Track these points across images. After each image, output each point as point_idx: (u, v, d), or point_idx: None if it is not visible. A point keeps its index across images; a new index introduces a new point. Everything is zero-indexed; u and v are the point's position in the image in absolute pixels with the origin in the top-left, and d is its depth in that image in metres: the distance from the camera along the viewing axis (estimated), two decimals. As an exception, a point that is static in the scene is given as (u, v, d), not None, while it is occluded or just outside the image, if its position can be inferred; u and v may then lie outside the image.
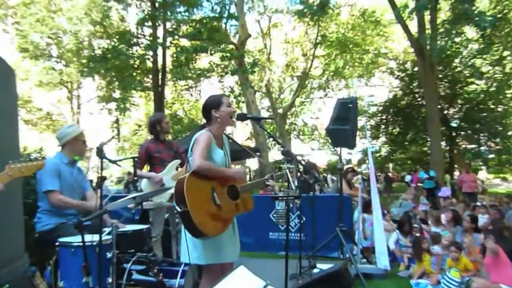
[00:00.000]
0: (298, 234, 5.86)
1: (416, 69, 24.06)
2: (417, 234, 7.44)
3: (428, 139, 21.48)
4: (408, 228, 7.51)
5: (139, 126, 27.37)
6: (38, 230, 4.49)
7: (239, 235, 3.80)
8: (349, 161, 37.20)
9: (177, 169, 5.82)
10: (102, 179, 3.62)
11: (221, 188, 3.51)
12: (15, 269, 4.32)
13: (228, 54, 19.89)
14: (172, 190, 5.04)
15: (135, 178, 5.62)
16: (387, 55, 30.27)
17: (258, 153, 18.77)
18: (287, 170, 4.20)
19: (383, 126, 29.19)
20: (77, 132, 4.77)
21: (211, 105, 3.69)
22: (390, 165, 33.73)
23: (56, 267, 3.81)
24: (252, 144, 27.94)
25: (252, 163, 28.89)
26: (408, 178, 25.25)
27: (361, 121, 29.95)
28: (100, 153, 3.72)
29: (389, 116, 28.67)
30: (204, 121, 3.82)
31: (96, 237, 3.58)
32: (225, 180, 3.56)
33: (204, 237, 3.34)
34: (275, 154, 39.85)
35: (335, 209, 6.90)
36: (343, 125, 6.53)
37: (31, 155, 7.73)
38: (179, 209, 3.21)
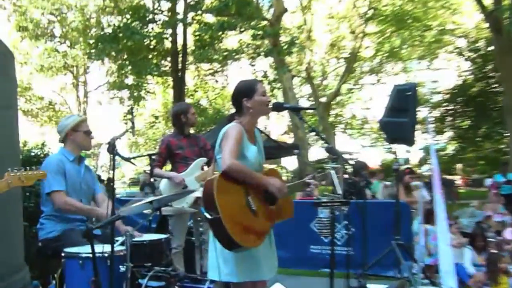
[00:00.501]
0: (345, 248, 5.84)
1: (490, 48, 23.57)
2: (493, 250, 7.28)
3: (506, 134, 21.01)
4: (482, 242, 7.36)
5: (156, 118, 27.70)
6: (41, 238, 4.60)
7: (276, 247, 3.82)
8: (407, 161, 36.67)
9: (202, 168, 5.88)
10: (112, 180, 3.67)
11: (257, 191, 3.51)
12: (14, 284, 4.46)
13: (260, 32, 19.86)
14: (196, 194, 5.14)
15: (153, 178, 5.71)
16: (454, 32, 29.69)
17: (296, 150, 18.77)
18: (332, 171, 4.18)
19: (449, 119, 28.74)
20: (76, 121, 4.84)
21: (242, 93, 3.70)
22: (458, 166, 33.18)
23: (61, 282, 3.91)
24: (289, 139, 27.95)
25: (290, 162, 28.90)
26: (488, 182, 24.71)
27: (422, 112, 29.70)
28: (111, 149, 3.76)
29: (457, 106, 28.21)
30: (232, 110, 3.85)
31: (107, 248, 3.66)
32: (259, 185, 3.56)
33: (238, 250, 3.33)
34: (317, 152, 39.83)
35: (390, 219, 6.84)
36: (400, 117, 6.47)
37: (32, 151, 7.95)
38: (208, 216, 3.21)
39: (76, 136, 4.80)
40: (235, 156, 3.42)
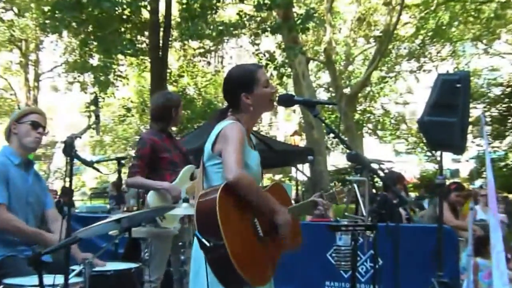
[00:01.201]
0: (371, 286, 5.84)
1: None
2: None
3: None
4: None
5: (128, 110, 27.76)
6: (-27, 265, 4.60)
7: (277, 284, 3.82)
8: (455, 173, 36.73)
9: (191, 179, 5.87)
10: (68, 191, 3.69)
11: (262, 212, 3.48)
12: None
13: (267, 1, 19.91)
14: (178, 211, 5.14)
15: (123, 188, 5.71)
16: (520, 6, 29.76)
17: (310, 157, 18.75)
18: (355, 185, 4.17)
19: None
20: (25, 108, 4.85)
21: (240, 86, 3.68)
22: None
23: (-2, 323, 3.92)
24: (301, 142, 27.94)
25: (301, 172, 28.86)
26: None
27: (476, 110, 29.70)
28: (69, 150, 3.77)
29: (522, 103, 28.25)
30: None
31: (60, 279, 3.64)
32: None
33: (238, 286, 3.31)
34: (337, 159, 39.85)
35: (430, 249, 6.85)
36: (446, 116, 6.47)
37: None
38: (207, 243, 3.13)
39: (20, 129, 4.77)
40: (242, 163, 3.39)
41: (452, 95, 6.53)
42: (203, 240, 3.15)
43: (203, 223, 3.24)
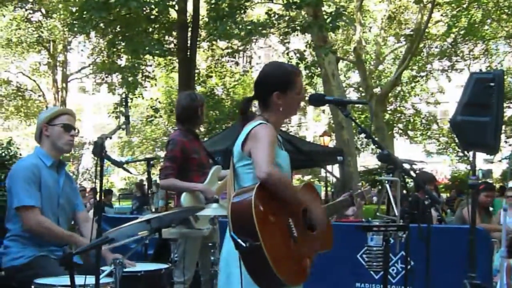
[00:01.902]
0: (403, 287, 5.82)
1: None
2: None
3: None
4: None
5: (156, 110, 27.88)
6: (4, 265, 4.67)
7: (306, 285, 3.82)
8: (487, 174, 36.39)
9: (219, 180, 5.89)
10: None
11: (295, 212, 3.50)
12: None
13: (296, 0, 19.88)
14: (207, 211, 5.17)
15: (151, 191, 5.75)
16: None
17: (340, 157, 18.70)
18: (388, 185, 4.17)
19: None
20: (52, 112, 4.87)
21: (276, 84, 3.68)
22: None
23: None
24: (331, 143, 27.89)
25: (330, 173, 28.81)
26: None
27: (510, 110, 29.42)
28: (99, 151, 3.79)
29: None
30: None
31: (91, 280, 3.68)
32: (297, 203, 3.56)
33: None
34: (368, 160, 39.68)
35: (462, 250, 6.81)
36: (479, 116, 6.43)
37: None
38: (243, 244, 3.13)
39: (53, 131, 4.80)
40: (272, 162, 3.40)
41: (485, 94, 6.48)
42: (239, 240, 3.14)
43: (238, 224, 3.25)
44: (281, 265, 3.18)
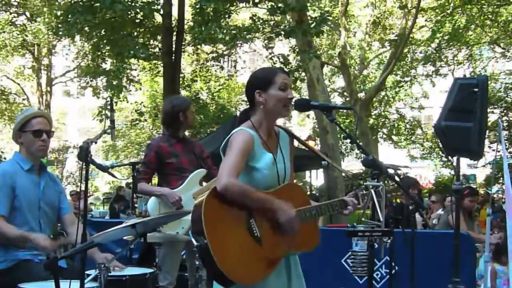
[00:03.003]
0: (387, 292, 5.84)
1: None
2: None
3: None
4: None
5: (141, 114, 27.80)
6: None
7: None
8: (470, 179, 36.56)
9: (201, 183, 5.92)
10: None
11: (263, 212, 3.58)
12: None
13: (280, 5, 19.91)
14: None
15: (136, 195, 5.76)
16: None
17: (325, 162, 18.75)
18: (372, 191, 4.18)
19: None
20: (22, 117, 4.83)
21: (256, 84, 3.79)
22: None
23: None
24: (315, 147, 27.93)
25: (316, 178, 28.88)
26: None
27: (494, 115, 29.53)
28: (85, 155, 3.80)
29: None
30: (242, 107, 3.90)
31: (76, 285, 3.68)
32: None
33: (235, 285, 3.43)
34: (352, 165, 39.72)
35: (447, 255, 6.83)
36: (463, 121, 6.46)
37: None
38: (195, 242, 3.35)
39: (25, 138, 4.80)
40: (236, 172, 3.50)
41: (469, 99, 6.52)
42: (193, 239, 3.38)
43: (194, 224, 3.44)
44: (228, 264, 3.31)
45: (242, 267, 3.40)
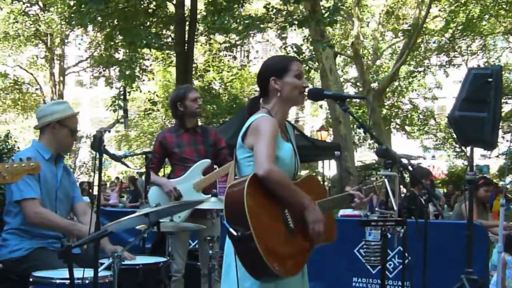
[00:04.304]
0: (399, 282, 5.83)
1: None
2: None
3: None
4: None
5: (154, 104, 27.83)
6: (3, 258, 4.68)
7: (308, 277, 3.84)
8: (484, 169, 36.38)
9: (204, 173, 5.92)
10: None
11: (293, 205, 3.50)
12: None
13: (294, -6, 19.86)
14: (205, 205, 5.18)
15: (147, 185, 5.79)
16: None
17: (337, 152, 18.74)
18: (386, 180, 4.17)
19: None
20: (67, 113, 4.88)
21: (271, 71, 3.72)
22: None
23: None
24: (328, 138, 27.90)
25: (329, 168, 28.85)
26: None
27: (508, 105, 29.40)
28: (98, 145, 3.80)
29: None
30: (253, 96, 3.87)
31: (89, 273, 3.70)
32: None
33: (268, 279, 3.35)
34: (365, 155, 39.66)
35: (460, 245, 6.81)
36: (477, 111, 6.43)
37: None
38: (234, 233, 3.16)
39: (60, 132, 4.86)
40: (274, 159, 3.41)
41: (483, 90, 6.49)
42: (231, 229, 3.17)
43: (231, 213, 3.28)
44: (272, 255, 3.20)
45: (283, 259, 3.31)
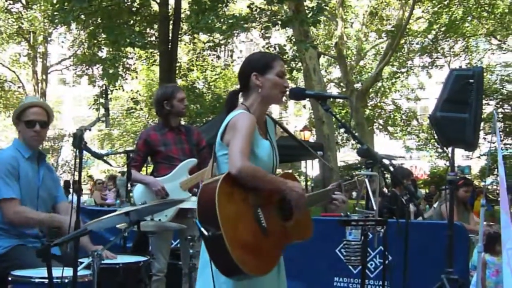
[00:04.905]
0: (380, 282, 5.84)
1: None
2: None
3: None
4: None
5: (136, 103, 27.73)
6: (-18, 256, 4.63)
7: (287, 278, 3.83)
8: (466, 170, 36.60)
9: (190, 173, 5.92)
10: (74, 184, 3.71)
11: (269, 201, 3.51)
12: None
13: (278, -6, 19.87)
14: (186, 204, 5.17)
15: (130, 183, 5.76)
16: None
17: (320, 152, 18.77)
18: (366, 180, 4.17)
19: (525, 116, 28.68)
20: (23, 103, 4.85)
21: (254, 66, 3.71)
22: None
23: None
24: (311, 138, 27.93)
25: (312, 168, 28.91)
26: None
27: (489, 107, 29.55)
28: (79, 142, 3.77)
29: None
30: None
31: (69, 272, 3.68)
32: (274, 193, 3.54)
33: (239, 277, 3.35)
34: (347, 155, 39.77)
35: (440, 245, 6.84)
36: (458, 112, 6.46)
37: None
38: (205, 233, 3.18)
39: (20, 128, 4.82)
40: (247, 155, 3.40)
41: (465, 91, 6.51)
42: (202, 229, 3.19)
43: (203, 212, 3.29)
44: (243, 255, 3.21)
45: (255, 258, 3.32)
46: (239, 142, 3.40)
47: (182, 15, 21.66)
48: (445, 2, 29.39)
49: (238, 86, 3.81)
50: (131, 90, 27.14)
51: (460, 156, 30.52)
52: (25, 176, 4.70)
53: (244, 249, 3.26)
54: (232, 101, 3.77)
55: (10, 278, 3.91)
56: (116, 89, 22.37)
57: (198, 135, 6.34)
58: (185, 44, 28.17)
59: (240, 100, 3.78)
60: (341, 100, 34.00)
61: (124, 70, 22.84)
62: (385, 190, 8.71)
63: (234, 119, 3.55)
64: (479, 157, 31.74)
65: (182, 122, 6.52)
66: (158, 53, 22.44)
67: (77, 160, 3.80)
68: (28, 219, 4.62)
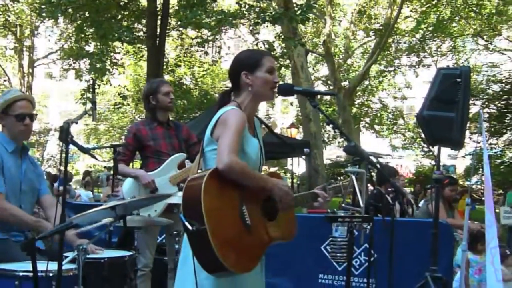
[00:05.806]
0: (365, 280, 5.85)
1: None
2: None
3: None
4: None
5: (124, 98, 27.62)
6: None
7: (270, 276, 3.82)
8: (451, 169, 36.74)
9: (180, 167, 5.91)
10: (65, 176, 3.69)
11: (254, 200, 3.51)
12: None
13: (267, -10, 19.87)
14: (173, 199, 5.16)
15: (117, 176, 5.73)
16: (522, 2, 29.75)
17: (307, 149, 18.75)
18: (353, 177, 4.18)
19: (510, 116, 28.73)
20: (7, 99, 4.77)
21: (243, 65, 3.71)
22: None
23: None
24: (298, 135, 27.95)
25: (298, 166, 28.91)
26: None
27: (475, 107, 29.67)
28: (65, 136, 3.75)
29: (521, 101, 28.19)
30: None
31: (53, 266, 3.65)
32: (259, 191, 3.55)
33: (221, 274, 3.34)
34: (334, 152, 39.82)
35: (425, 243, 6.86)
36: (445, 111, 6.48)
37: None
38: (190, 227, 3.18)
39: (8, 122, 4.77)
40: (236, 151, 3.40)
41: (452, 90, 6.53)
42: (186, 223, 3.19)
43: (188, 207, 3.28)
44: (226, 252, 3.21)
45: (238, 255, 3.31)
46: (228, 138, 3.40)
47: (171, 10, 21.60)
48: (433, 2, 29.50)
49: (225, 83, 3.81)
50: (119, 85, 27.02)
51: (446, 155, 30.65)
52: (8, 170, 4.66)
53: (227, 245, 3.26)
54: (223, 102, 3.76)
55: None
56: (104, 84, 22.31)
57: (187, 131, 6.35)
58: (173, 40, 28.17)
59: (232, 98, 3.78)
60: (328, 98, 34.08)
61: (112, 65, 22.74)
62: (371, 187, 8.72)
63: (224, 114, 3.55)
64: (464, 157, 31.86)
65: (170, 118, 6.50)
66: (146, 48, 22.37)
67: (63, 155, 3.77)
68: (13, 217, 4.56)
